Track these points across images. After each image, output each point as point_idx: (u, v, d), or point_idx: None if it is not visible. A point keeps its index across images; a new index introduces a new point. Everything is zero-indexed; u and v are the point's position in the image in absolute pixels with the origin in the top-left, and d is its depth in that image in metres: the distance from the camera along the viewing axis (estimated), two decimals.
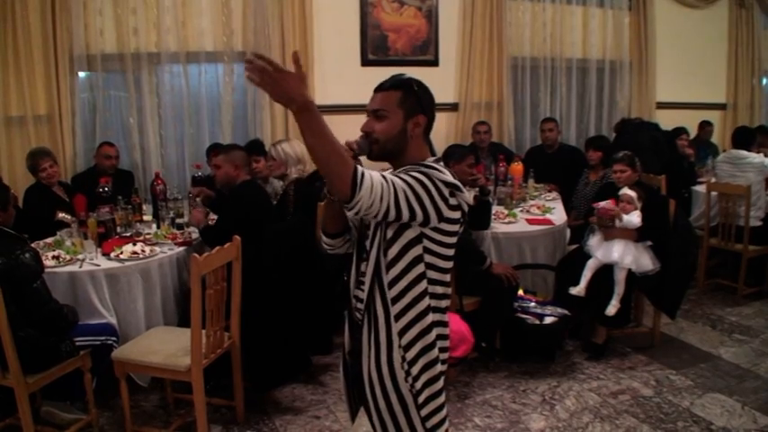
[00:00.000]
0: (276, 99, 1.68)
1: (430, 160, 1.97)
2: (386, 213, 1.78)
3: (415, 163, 1.94)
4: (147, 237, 4.25)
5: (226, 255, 3.37)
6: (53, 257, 3.77)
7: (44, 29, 5.22)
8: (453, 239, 1.95)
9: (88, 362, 3.42)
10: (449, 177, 1.89)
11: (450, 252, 1.96)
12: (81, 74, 5.56)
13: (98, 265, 3.76)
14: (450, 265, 1.98)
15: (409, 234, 1.89)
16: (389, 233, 1.91)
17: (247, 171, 4.23)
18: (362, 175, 1.71)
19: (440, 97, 2.06)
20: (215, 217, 4.64)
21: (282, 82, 1.62)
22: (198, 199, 4.55)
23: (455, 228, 1.93)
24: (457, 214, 1.91)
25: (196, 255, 3.16)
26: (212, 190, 4.64)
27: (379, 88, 2.02)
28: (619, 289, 4.27)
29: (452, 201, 1.88)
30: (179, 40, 5.68)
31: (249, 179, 4.17)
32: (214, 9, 5.76)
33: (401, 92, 1.98)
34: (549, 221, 4.80)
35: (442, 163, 1.98)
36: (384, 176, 1.78)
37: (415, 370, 1.95)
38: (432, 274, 1.94)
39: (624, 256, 4.26)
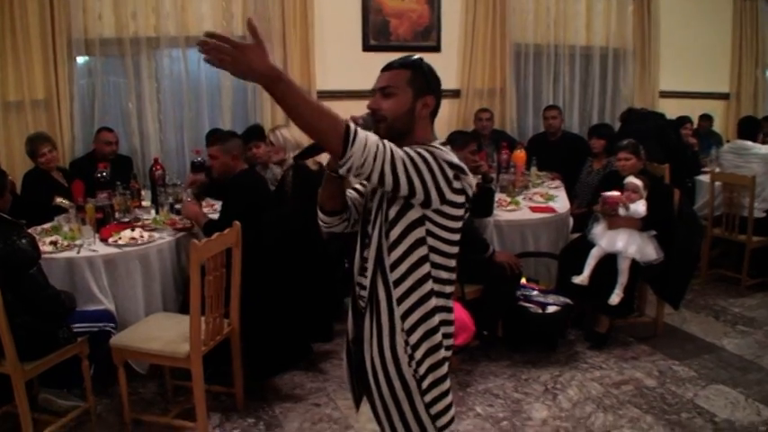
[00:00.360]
0: (242, 77, 1.61)
1: (436, 143, 1.93)
2: (381, 176, 1.72)
3: (420, 144, 1.89)
4: (146, 222, 4.19)
5: (225, 241, 3.33)
6: (50, 243, 3.72)
7: (42, 13, 5.15)
8: (458, 224, 1.91)
9: (86, 349, 3.38)
10: (454, 158, 1.85)
11: (455, 237, 1.92)
12: (79, 59, 5.50)
13: (96, 251, 3.71)
14: (455, 250, 1.94)
15: (411, 215, 1.85)
16: (391, 213, 1.87)
17: (244, 159, 4.16)
18: (356, 131, 1.67)
19: (442, 84, 2.02)
20: (214, 203, 4.60)
21: (243, 57, 1.55)
22: (189, 190, 4.48)
23: (459, 212, 1.88)
24: (461, 198, 1.86)
25: (195, 241, 3.12)
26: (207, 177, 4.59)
27: (388, 67, 1.97)
28: (622, 278, 4.24)
29: (456, 184, 1.83)
30: (178, 25, 5.61)
31: (247, 168, 4.09)
32: None
33: (411, 71, 1.94)
34: (552, 209, 4.74)
35: (448, 147, 1.93)
36: (383, 141, 1.74)
37: (418, 354, 1.91)
38: (435, 258, 1.89)
39: (629, 245, 4.23)
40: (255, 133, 5.03)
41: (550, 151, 6.15)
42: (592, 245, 4.37)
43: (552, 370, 4.07)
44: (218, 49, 1.54)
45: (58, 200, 4.23)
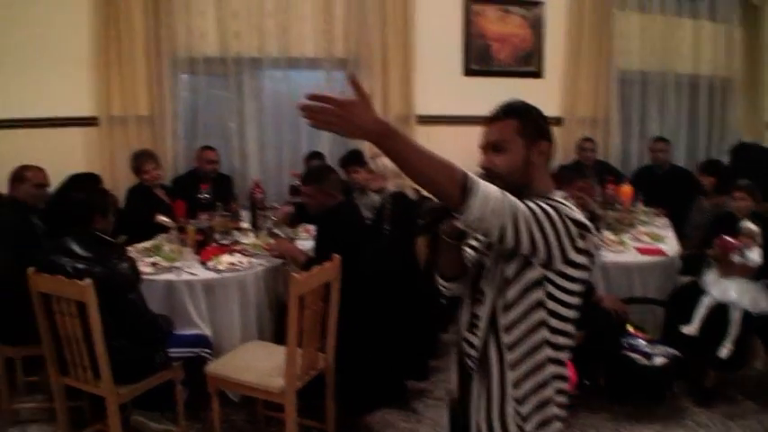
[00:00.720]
0: (350, 136, 1.54)
1: (558, 195, 1.80)
2: (501, 232, 1.60)
3: (542, 197, 1.76)
4: (245, 247, 4.18)
5: (325, 275, 3.27)
6: (151, 264, 3.76)
7: (147, 30, 5.31)
8: (579, 287, 1.78)
9: (180, 374, 3.40)
10: (579, 216, 1.72)
11: (576, 300, 1.79)
12: (183, 76, 5.60)
13: (195, 275, 3.73)
14: (574, 315, 1.81)
15: (530, 275, 1.73)
16: (509, 272, 1.76)
17: (341, 190, 4.05)
18: (475, 181, 1.56)
19: (543, 111, 1.90)
20: (309, 227, 4.56)
21: (349, 116, 1.47)
22: (277, 230, 4.42)
23: (582, 274, 1.75)
24: (583, 259, 1.73)
25: (295, 275, 3.07)
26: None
27: (493, 119, 1.85)
28: (733, 330, 3.95)
29: (580, 243, 1.70)
30: (280, 46, 5.65)
31: (342, 201, 3.90)
32: (316, 15, 5.71)
33: (518, 119, 1.82)
34: (661, 252, 4.48)
35: (572, 201, 1.80)
36: (505, 193, 1.62)
37: (528, 427, 1.79)
38: (553, 323, 1.77)
39: (742, 295, 3.96)
40: (354, 158, 4.99)
41: (657, 186, 5.86)
42: (701, 291, 4.12)
43: (656, 426, 3.83)
44: (322, 112, 1.47)
45: (160, 218, 4.27)
